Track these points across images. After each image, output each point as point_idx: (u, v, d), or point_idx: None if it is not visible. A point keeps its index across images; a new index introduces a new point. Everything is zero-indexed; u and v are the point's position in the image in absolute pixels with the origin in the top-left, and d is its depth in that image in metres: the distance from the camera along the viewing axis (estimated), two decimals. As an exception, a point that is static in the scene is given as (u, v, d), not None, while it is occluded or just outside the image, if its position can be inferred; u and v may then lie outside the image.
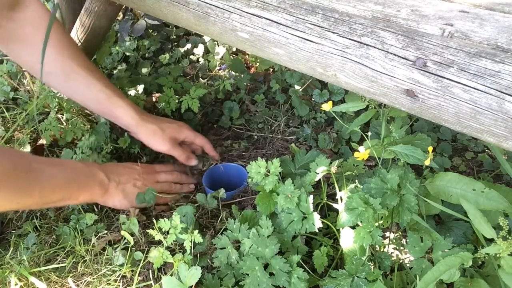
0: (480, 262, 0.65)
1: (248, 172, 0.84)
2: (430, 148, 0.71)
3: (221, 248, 0.82)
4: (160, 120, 1.03)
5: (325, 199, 0.84)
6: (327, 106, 0.79)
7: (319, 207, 0.85)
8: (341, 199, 0.79)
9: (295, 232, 0.79)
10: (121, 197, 0.94)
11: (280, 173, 0.83)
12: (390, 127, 0.81)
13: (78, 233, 0.95)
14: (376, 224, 0.71)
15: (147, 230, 0.87)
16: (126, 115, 0.98)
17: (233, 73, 1.37)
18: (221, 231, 0.88)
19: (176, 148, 1.02)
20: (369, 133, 0.82)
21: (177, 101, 1.16)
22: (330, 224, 0.81)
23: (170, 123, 1.05)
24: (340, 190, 0.80)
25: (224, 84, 1.22)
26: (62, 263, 0.92)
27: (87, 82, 0.95)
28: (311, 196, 0.79)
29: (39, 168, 0.79)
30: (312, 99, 1.20)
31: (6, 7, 0.87)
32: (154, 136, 1.00)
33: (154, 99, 1.28)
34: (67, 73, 0.94)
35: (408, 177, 0.72)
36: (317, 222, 0.77)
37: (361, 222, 0.70)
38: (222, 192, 0.95)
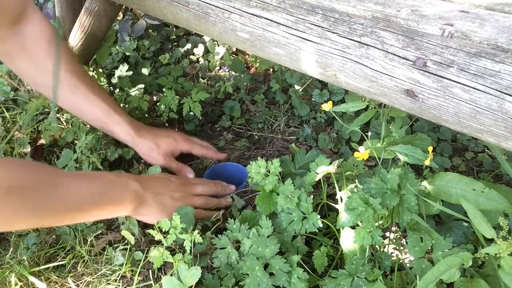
0: (480, 262, 0.65)
1: (248, 172, 0.84)
2: (430, 148, 0.71)
3: (221, 248, 0.82)
4: (156, 135, 1.04)
5: (325, 199, 0.84)
6: (327, 106, 0.79)
7: (319, 207, 0.85)
8: (341, 199, 0.79)
9: (295, 232, 0.79)
10: (159, 209, 0.88)
11: (280, 173, 0.83)
12: (390, 127, 0.81)
13: (78, 233, 0.95)
14: (376, 224, 0.71)
15: (147, 230, 0.87)
16: (123, 132, 1.00)
17: (233, 73, 1.37)
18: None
19: (172, 162, 1.04)
20: (369, 133, 0.82)
21: (177, 102, 1.16)
22: (330, 224, 0.81)
23: (167, 137, 1.05)
24: (340, 190, 0.80)
25: (225, 86, 1.22)
26: (62, 263, 0.92)
27: (86, 98, 0.97)
28: (311, 196, 0.79)
29: (65, 182, 0.75)
30: (312, 99, 1.20)
31: (7, 23, 0.87)
32: (150, 152, 1.02)
33: (155, 98, 1.28)
34: (68, 88, 0.95)
35: (408, 177, 0.72)
36: (317, 222, 0.77)
37: (361, 222, 0.71)
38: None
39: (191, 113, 1.17)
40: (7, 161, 0.68)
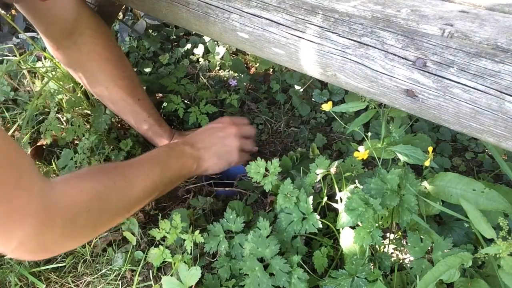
0: (480, 262, 0.65)
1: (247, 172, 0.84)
2: (430, 149, 0.71)
3: (214, 236, 0.83)
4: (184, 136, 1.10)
5: (325, 199, 0.84)
6: (327, 106, 0.79)
7: (319, 207, 0.85)
8: (341, 200, 0.78)
9: (295, 233, 0.79)
10: (215, 160, 0.93)
11: (279, 173, 0.83)
12: (390, 127, 0.81)
13: (78, 233, 0.95)
14: (376, 224, 0.71)
15: (147, 231, 0.87)
16: (162, 143, 1.09)
17: (233, 73, 1.37)
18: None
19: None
20: (369, 133, 0.82)
21: (183, 108, 1.16)
22: (330, 224, 0.81)
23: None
24: (340, 191, 0.80)
25: (231, 99, 1.22)
26: (61, 263, 0.92)
27: (133, 110, 1.05)
28: (311, 197, 0.79)
29: (133, 177, 0.77)
30: (313, 99, 1.20)
31: (60, 35, 0.92)
32: None
33: (157, 97, 1.29)
34: (115, 99, 1.03)
35: (408, 177, 0.72)
36: (317, 223, 0.77)
37: (361, 222, 0.70)
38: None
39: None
40: (76, 180, 0.68)
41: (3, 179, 0.52)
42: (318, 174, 0.80)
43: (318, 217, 0.77)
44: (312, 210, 0.78)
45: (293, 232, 0.79)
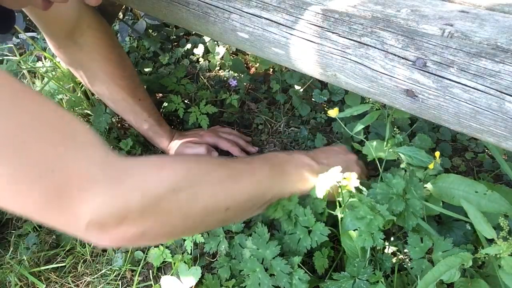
0: (480, 263, 0.65)
1: None
2: (438, 154, 0.71)
3: (214, 236, 0.82)
4: (184, 137, 1.11)
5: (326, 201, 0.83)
6: (333, 113, 0.77)
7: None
8: (339, 204, 0.77)
9: (307, 249, 0.76)
10: None
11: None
12: (394, 129, 0.80)
13: (78, 233, 0.95)
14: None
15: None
16: (162, 143, 1.10)
17: (233, 73, 1.37)
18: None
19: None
20: (370, 134, 0.82)
21: (183, 108, 1.16)
22: (332, 229, 0.80)
23: (193, 136, 1.12)
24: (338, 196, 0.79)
25: (231, 99, 1.22)
26: (61, 263, 0.92)
27: (133, 110, 1.05)
28: (308, 207, 0.76)
29: (244, 173, 0.68)
30: (313, 99, 1.20)
31: (63, 34, 0.92)
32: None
33: (157, 97, 1.29)
34: (116, 99, 1.03)
35: (412, 180, 0.71)
36: (324, 230, 0.75)
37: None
38: None
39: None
40: (155, 157, 0.62)
41: (51, 143, 0.45)
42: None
43: (323, 224, 0.75)
44: (315, 220, 0.75)
45: (304, 249, 0.76)
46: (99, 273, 0.90)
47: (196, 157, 0.66)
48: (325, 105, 1.22)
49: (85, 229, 0.47)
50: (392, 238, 0.81)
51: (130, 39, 1.48)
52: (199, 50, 1.48)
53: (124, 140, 1.10)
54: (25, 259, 0.92)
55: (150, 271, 0.89)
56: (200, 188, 0.58)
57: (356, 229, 0.72)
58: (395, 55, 0.52)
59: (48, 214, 0.46)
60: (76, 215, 0.46)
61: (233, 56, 1.46)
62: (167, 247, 0.87)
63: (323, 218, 0.77)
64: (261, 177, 0.69)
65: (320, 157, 0.85)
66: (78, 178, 0.46)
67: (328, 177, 0.69)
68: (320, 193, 0.69)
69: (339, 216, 0.74)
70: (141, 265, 0.89)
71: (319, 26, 0.58)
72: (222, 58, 1.45)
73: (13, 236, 0.97)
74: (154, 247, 0.90)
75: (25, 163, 0.43)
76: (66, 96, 1.15)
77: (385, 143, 0.78)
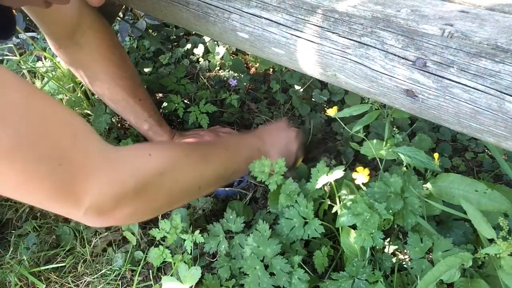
0: (480, 262, 0.65)
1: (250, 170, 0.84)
2: (436, 155, 0.71)
3: (214, 236, 0.83)
4: (184, 137, 1.12)
5: (328, 202, 0.83)
6: (332, 112, 0.78)
7: (321, 209, 0.84)
8: (339, 200, 0.78)
9: (297, 238, 0.78)
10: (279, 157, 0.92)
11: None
12: (394, 129, 0.80)
13: (78, 233, 0.95)
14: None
15: (147, 231, 0.87)
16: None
17: (233, 73, 1.37)
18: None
19: None
20: (369, 134, 0.82)
21: (183, 108, 1.16)
22: (331, 226, 0.81)
23: (193, 135, 1.12)
24: (338, 192, 0.80)
25: (231, 99, 1.22)
26: (61, 263, 0.92)
27: (134, 110, 1.05)
28: (312, 202, 0.77)
29: (211, 154, 0.78)
30: (312, 99, 1.20)
31: (64, 35, 0.92)
32: None
33: (157, 97, 1.29)
34: (116, 99, 1.03)
35: (411, 179, 0.71)
36: (319, 228, 0.75)
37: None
38: None
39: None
40: (143, 145, 0.68)
41: (58, 139, 0.51)
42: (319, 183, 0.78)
43: (320, 222, 0.76)
44: (313, 215, 0.76)
45: (295, 237, 0.77)
46: (99, 273, 0.90)
47: (174, 144, 0.77)
48: (325, 105, 1.22)
49: (83, 215, 0.55)
50: (392, 238, 0.81)
51: (130, 39, 1.48)
52: (199, 50, 1.48)
53: (124, 140, 1.10)
54: (25, 259, 0.92)
55: (150, 271, 0.89)
56: (180, 171, 0.68)
57: (352, 226, 0.72)
58: (395, 55, 0.52)
59: (56, 203, 0.53)
60: (78, 202, 0.53)
61: (233, 56, 1.46)
62: (167, 247, 0.87)
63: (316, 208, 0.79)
64: (224, 158, 0.80)
65: (265, 137, 0.95)
66: (81, 170, 0.53)
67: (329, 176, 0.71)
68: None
69: (339, 212, 0.74)
70: (141, 265, 0.89)
71: (319, 26, 0.58)
72: (222, 58, 1.45)
73: (13, 236, 0.97)
74: (154, 247, 0.90)
75: (38, 160, 0.49)
76: (66, 96, 1.15)
77: (384, 143, 0.78)
